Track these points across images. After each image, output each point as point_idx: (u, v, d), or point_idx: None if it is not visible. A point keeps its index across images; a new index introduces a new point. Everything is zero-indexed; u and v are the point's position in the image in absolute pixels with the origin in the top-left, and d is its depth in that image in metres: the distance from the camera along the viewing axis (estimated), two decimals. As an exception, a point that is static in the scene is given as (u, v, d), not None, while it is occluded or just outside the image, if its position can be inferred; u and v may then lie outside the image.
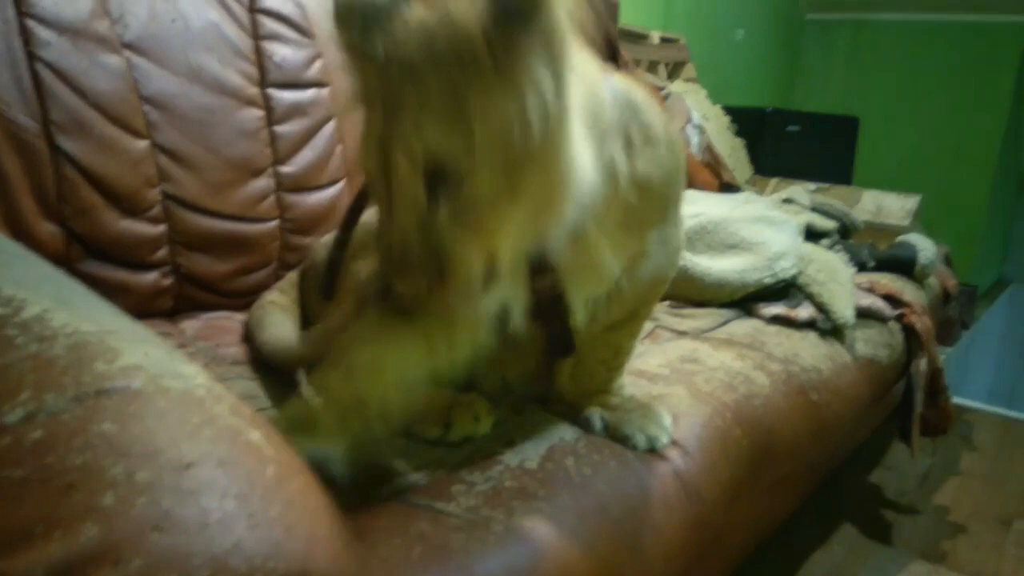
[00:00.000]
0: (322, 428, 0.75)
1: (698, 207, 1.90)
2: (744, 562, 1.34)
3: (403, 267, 0.69)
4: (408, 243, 0.69)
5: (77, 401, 0.50)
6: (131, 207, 1.15)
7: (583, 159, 0.72)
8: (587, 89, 0.74)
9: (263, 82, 1.35)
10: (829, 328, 1.58)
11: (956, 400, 2.70)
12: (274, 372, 1.08)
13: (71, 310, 0.62)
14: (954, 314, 3.60)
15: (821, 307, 1.61)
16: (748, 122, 3.06)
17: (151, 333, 0.69)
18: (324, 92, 1.44)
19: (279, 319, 1.15)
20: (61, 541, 0.42)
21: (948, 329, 3.57)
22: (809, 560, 1.72)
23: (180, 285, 1.23)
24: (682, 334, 1.49)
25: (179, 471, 0.48)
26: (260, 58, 1.35)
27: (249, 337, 1.16)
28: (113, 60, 1.15)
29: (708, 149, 2.65)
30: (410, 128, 0.66)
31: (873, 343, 1.68)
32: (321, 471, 0.67)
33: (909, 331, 1.82)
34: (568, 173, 0.70)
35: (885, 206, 2.65)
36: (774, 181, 2.85)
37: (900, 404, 1.87)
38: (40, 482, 0.44)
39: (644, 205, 0.83)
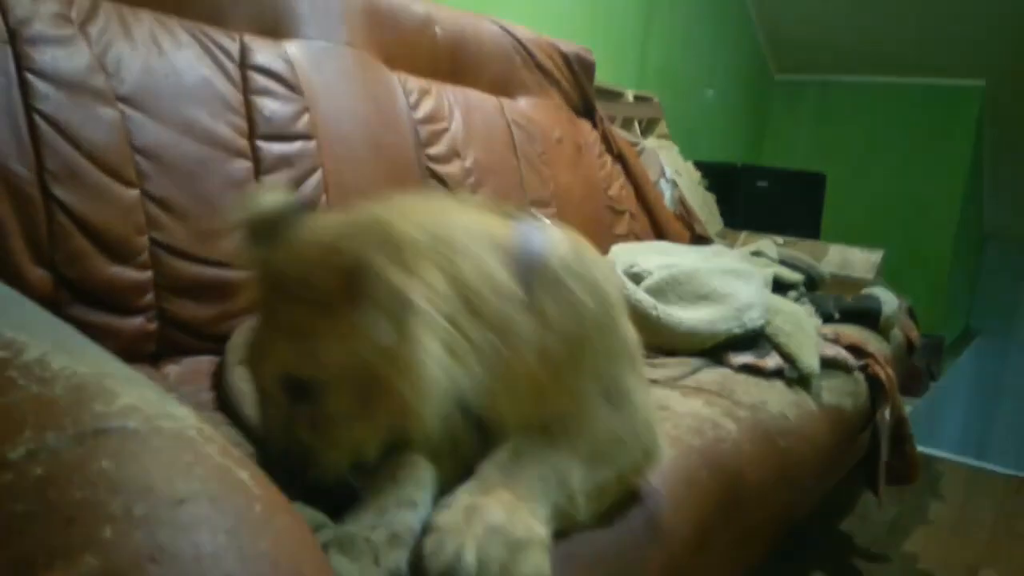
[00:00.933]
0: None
1: (671, 259, 1.97)
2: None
3: (272, 453, 0.78)
4: (274, 438, 0.78)
5: (77, 440, 0.52)
6: (120, 254, 1.18)
7: (438, 368, 0.75)
8: (471, 276, 0.78)
9: (252, 134, 1.40)
10: (796, 377, 1.64)
11: (925, 450, 2.76)
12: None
13: (69, 353, 0.65)
14: (921, 365, 3.69)
15: (788, 357, 1.66)
16: (719, 177, 3.17)
17: (144, 376, 0.72)
18: (311, 144, 1.49)
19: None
20: (62, 571, 0.44)
21: (916, 380, 3.66)
22: (779, 608, 1.74)
23: (164, 329, 1.25)
24: (653, 382, 1.53)
25: (173, 506, 0.51)
26: (250, 111, 1.40)
27: (218, 368, 1.19)
28: (108, 112, 1.20)
29: (680, 202, 2.74)
30: (270, 341, 0.76)
31: (838, 392, 1.74)
32: None
33: (873, 381, 1.88)
34: (420, 386, 0.74)
35: (850, 260, 2.75)
36: (744, 234, 2.95)
37: (867, 453, 1.92)
38: (42, 516, 0.46)
39: (566, 358, 0.84)
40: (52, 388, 0.58)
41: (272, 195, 0.84)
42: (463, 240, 0.81)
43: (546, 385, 0.84)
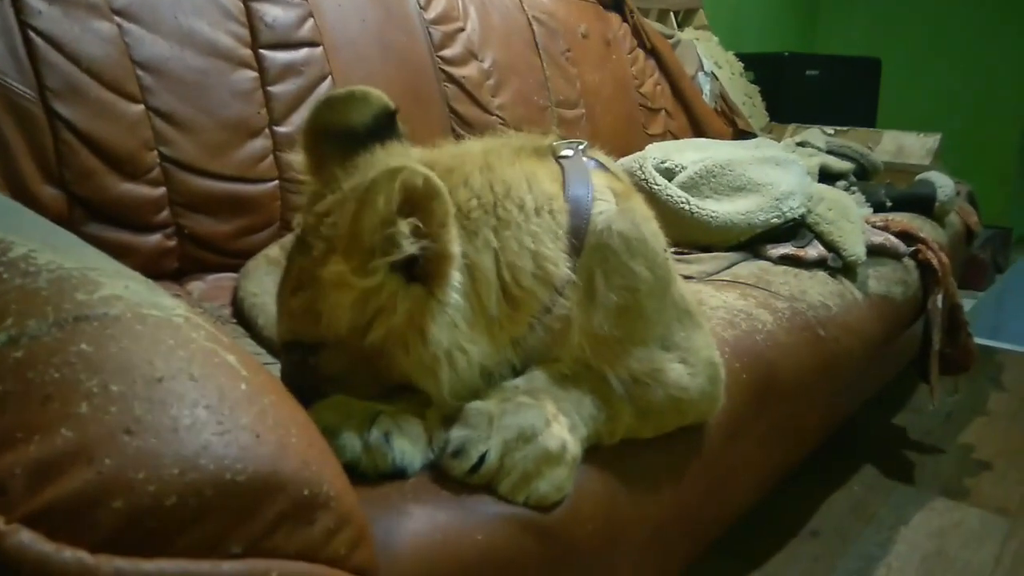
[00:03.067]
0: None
1: (706, 152, 1.88)
2: (758, 503, 1.35)
3: (286, 380, 0.77)
4: (288, 380, 0.77)
5: (57, 326, 0.52)
6: (130, 170, 1.17)
7: (447, 359, 0.72)
8: (517, 256, 0.75)
9: (255, 43, 1.36)
10: (839, 266, 1.56)
11: (988, 342, 2.65)
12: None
13: (56, 251, 0.64)
14: (986, 257, 3.52)
15: (831, 246, 1.58)
16: (765, 68, 2.99)
17: (136, 274, 0.71)
18: (317, 51, 1.45)
19: (263, 274, 1.18)
20: (39, 444, 0.44)
21: (980, 272, 3.49)
22: (828, 500, 1.71)
23: (184, 246, 1.26)
24: (687, 279, 1.48)
25: (151, 384, 0.50)
26: (251, 19, 1.36)
27: (236, 288, 1.19)
28: (104, 26, 1.17)
29: (721, 97, 2.61)
30: (286, 289, 0.75)
31: (887, 280, 1.66)
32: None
33: (925, 267, 1.78)
34: (427, 374, 0.72)
35: (905, 146, 2.59)
36: (792, 127, 2.80)
37: (920, 344, 1.85)
38: (20, 395, 0.46)
39: (615, 332, 0.81)
40: (36, 280, 0.57)
41: (362, 103, 0.79)
42: (515, 212, 0.77)
43: (591, 362, 0.81)
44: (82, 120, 1.12)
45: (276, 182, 1.36)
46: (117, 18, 1.19)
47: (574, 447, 0.77)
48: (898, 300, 1.67)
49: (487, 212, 0.75)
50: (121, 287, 0.60)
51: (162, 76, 1.22)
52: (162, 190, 1.22)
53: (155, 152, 1.21)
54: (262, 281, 1.18)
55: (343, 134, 0.79)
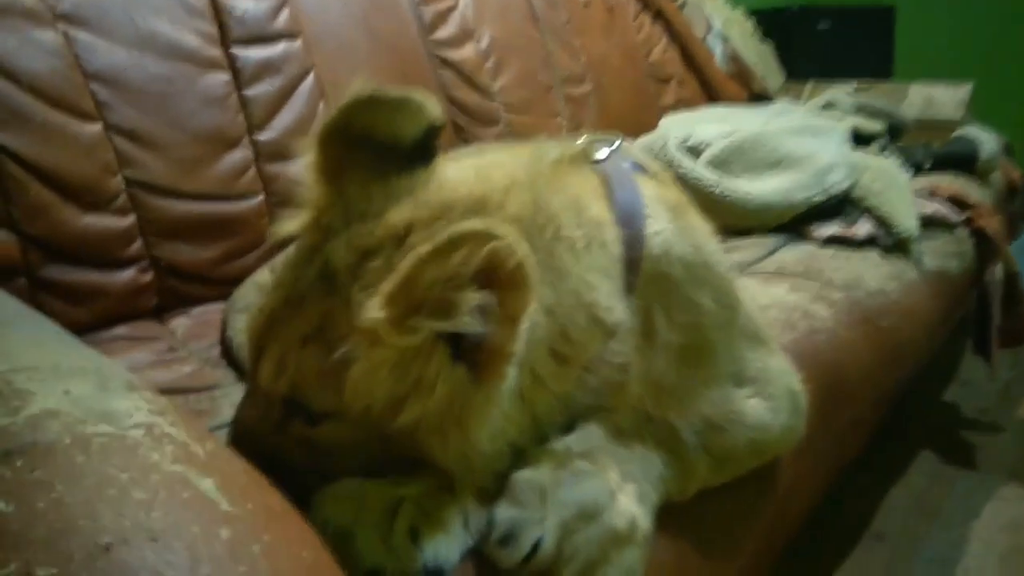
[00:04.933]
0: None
1: (729, 125, 1.71)
2: (816, 510, 1.21)
3: (238, 439, 0.64)
4: (251, 437, 0.62)
5: (-31, 475, 0.39)
6: (91, 200, 1.02)
7: (490, 440, 0.59)
8: (569, 309, 0.62)
9: (225, 41, 1.20)
10: (892, 243, 1.41)
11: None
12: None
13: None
14: (1018, 207, 3.36)
15: (881, 221, 1.43)
16: (774, 24, 2.82)
17: (86, 356, 0.57)
18: (296, 44, 1.28)
19: (249, 305, 1.03)
20: None
21: (1012, 223, 3.34)
22: (888, 495, 1.58)
23: (162, 279, 1.11)
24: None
25: (94, 556, 0.37)
26: (218, 14, 1.20)
27: (223, 325, 1.04)
28: (47, 36, 1.01)
29: (733, 59, 2.43)
30: (291, 345, 0.59)
31: (941, 254, 1.51)
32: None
33: (979, 236, 1.63)
34: (461, 460, 0.59)
35: (935, 99, 2.42)
36: (809, 85, 2.62)
37: (975, 315, 1.70)
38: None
39: (679, 376, 0.69)
40: None
41: (417, 113, 0.63)
42: (568, 257, 0.63)
43: (650, 409, 0.69)
44: (28, 148, 0.97)
45: (261, 197, 1.21)
46: (61, 25, 1.03)
47: (645, 522, 0.63)
48: (954, 275, 1.52)
49: (543, 264, 0.61)
50: (59, 393, 0.46)
51: (120, 88, 1.06)
52: (131, 219, 1.07)
53: (119, 176, 1.05)
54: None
55: (380, 144, 0.63)
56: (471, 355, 0.55)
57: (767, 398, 0.75)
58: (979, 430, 1.83)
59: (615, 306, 0.64)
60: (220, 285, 1.17)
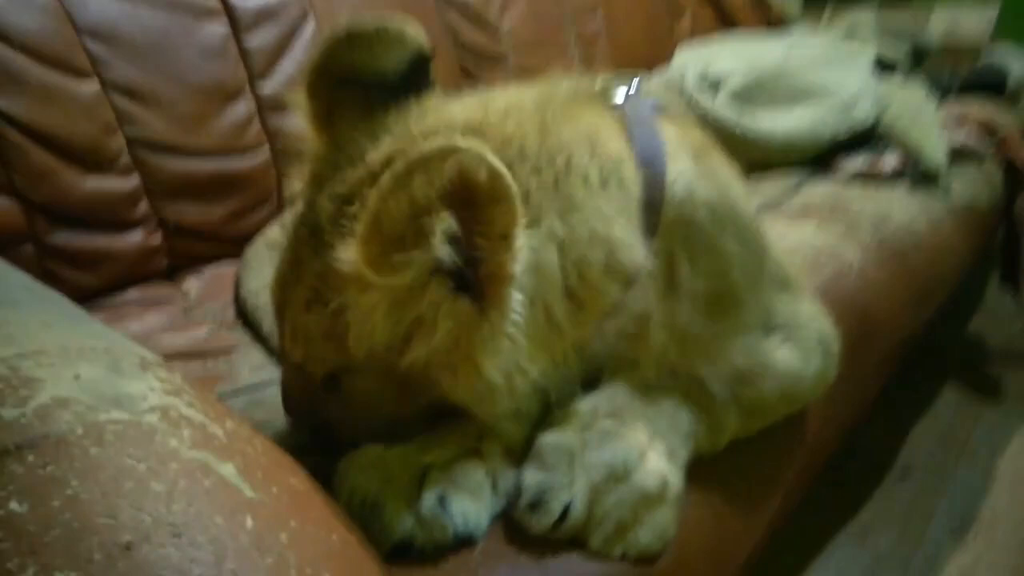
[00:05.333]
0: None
1: (746, 59, 1.64)
2: (842, 447, 1.20)
3: (289, 409, 0.65)
4: (293, 408, 0.64)
5: (-18, 470, 0.37)
6: (94, 161, 0.99)
7: (505, 378, 0.56)
8: (584, 247, 0.59)
9: (220, -13, 1.14)
10: (920, 177, 1.36)
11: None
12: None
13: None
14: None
15: (908, 153, 1.38)
16: (790, -54, 2.68)
17: (95, 334, 0.55)
18: (295, -12, 1.23)
19: (265, 265, 1.01)
20: None
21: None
22: (914, 430, 1.57)
23: (171, 240, 1.08)
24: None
25: (115, 557, 0.36)
26: (212, -42, 1.14)
27: (237, 285, 1.02)
28: (35, -11, 0.97)
29: (749, -15, 2.32)
30: (298, 311, 0.58)
31: (970, 186, 1.45)
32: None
33: (1008, 166, 1.57)
34: (479, 397, 0.57)
35: (959, 21, 2.31)
36: (828, 8, 2.51)
37: (1002, 247, 1.66)
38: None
39: (704, 324, 0.66)
40: None
41: (396, 43, 0.61)
42: (580, 188, 0.59)
43: (675, 361, 0.66)
44: (25, 111, 0.93)
45: (267, 151, 1.17)
46: (49, -23, 0.98)
47: (676, 480, 0.62)
48: (983, 208, 1.47)
49: (549, 191, 0.58)
50: (68, 379, 0.44)
51: (115, 43, 1.02)
52: (135, 179, 1.04)
53: (120, 135, 1.02)
54: (264, 274, 1.01)
55: (365, 81, 0.60)
56: (473, 285, 0.53)
57: (798, 345, 0.72)
58: (1004, 363, 1.80)
59: (634, 247, 0.60)
60: (231, 243, 1.15)
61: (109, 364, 0.47)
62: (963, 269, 1.40)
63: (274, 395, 0.79)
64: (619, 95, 0.71)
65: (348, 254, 0.50)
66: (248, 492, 0.42)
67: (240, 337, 0.97)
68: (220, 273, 1.12)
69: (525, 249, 0.52)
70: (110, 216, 1.01)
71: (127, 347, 0.52)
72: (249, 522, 0.40)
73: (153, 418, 0.43)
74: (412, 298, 0.52)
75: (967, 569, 1.22)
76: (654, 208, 0.63)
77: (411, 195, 0.48)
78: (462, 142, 0.48)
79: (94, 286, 0.99)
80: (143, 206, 1.05)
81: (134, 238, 1.04)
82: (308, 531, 0.42)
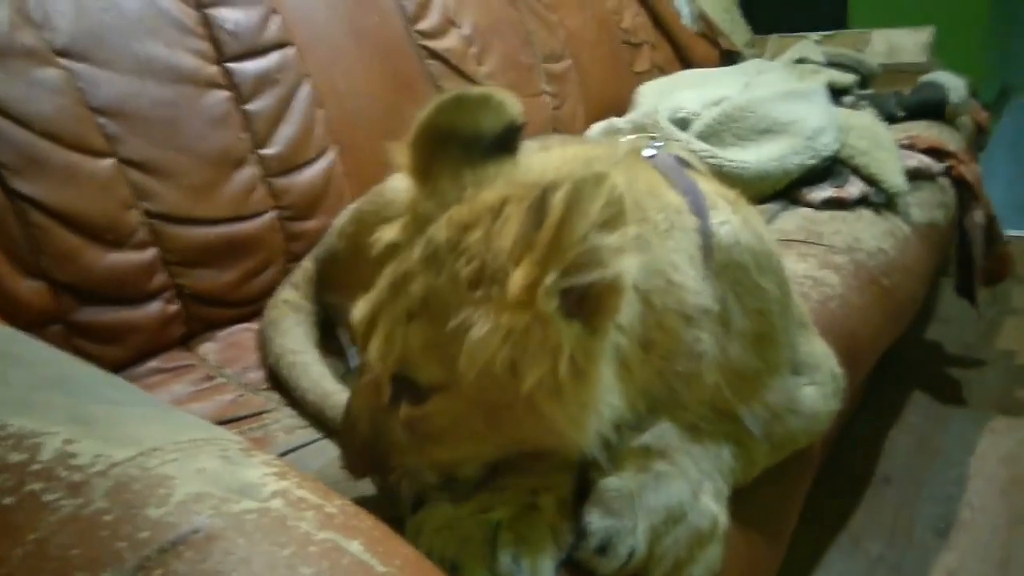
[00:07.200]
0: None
1: (709, 90, 1.74)
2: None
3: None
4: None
5: (142, 571, 0.39)
6: (114, 238, 1.01)
7: (605, 405, 0.61)
8: (660, 292, 0.64)
9: (220, 57, 1.17)
10: (883, 201, 1.46)
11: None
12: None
13: (93, 426, 0.51)
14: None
15: (870, 179, 1.48)
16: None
17: (191, 424, 0.57)
18: (290, 52, 1.26)
19: (294, 325, 1.04)
20: None
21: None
22: (889, 439, 1.66)
23: (188, 307, 1.10)
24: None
25: None
26: (210, 30, 1.17)
27: (263, 347, 1.05)
28: (50, 74, 0.99)
29: (701, 18, 2.44)
30: (397, 321, 0.60)
31: (928, 206, 1.56)
32: None
33: (959, 183, 1.69)
34: (582, 421, 0.60)
35: (897, 44, 2.46)
36: (773, 39, 2.65)
37: (957, 259, 1.77)
38: None
39: (752, 362, 0.72)
40: (90, 498, 0.45)
41: (497, 109, 0.65)
42: (651, 234, 0.65)
43: (728, 399, 0.71)
44: (49, 193, 0.95)
45: (272, 212, 1.20)
46: (63, 60, 1.00)
47: (724, 518, 0.68)
48: (942, 225, 1.58)
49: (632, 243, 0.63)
50: (194, 474, 0.47)
51: (127, 119, 1.04)
52: (152, 251, 1.06)
53: (136, 210, 1.04)
54: (296, 335, 1.04)
55: (466, 141, 0.65)
56: (578, 308, 0.56)
57: (819, 385, 0.79)
58: (964, 366, 1.92)
59: (703, 290, 0.66)
60: (242, 306, 1.17)
61: (219, 454, 0.50)
62: (928, 284, 1.50)
63: (314, 457, 0.82)
64: (648, 151, 0.78)
65: (519, 278, 0.54)
66: (379, 567, 0.45)
67: (267, 400, 1.00)
68: (234, 336, 1.14)
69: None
70: (130, 289, 1.03)
71: (223, 434, 0.55)
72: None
73: (278, 503, 0.46)
74: (537, 323, 0.55)
75: (955, 567, 1.31)
76: (709, 252, 0.69)
77: (586, 218, 0.52)
78: (599, 169, 0.53)
79: (120, 358, 1.01)
80: (160, 277, 1.07)
81: (153, 308, 1.06)
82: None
